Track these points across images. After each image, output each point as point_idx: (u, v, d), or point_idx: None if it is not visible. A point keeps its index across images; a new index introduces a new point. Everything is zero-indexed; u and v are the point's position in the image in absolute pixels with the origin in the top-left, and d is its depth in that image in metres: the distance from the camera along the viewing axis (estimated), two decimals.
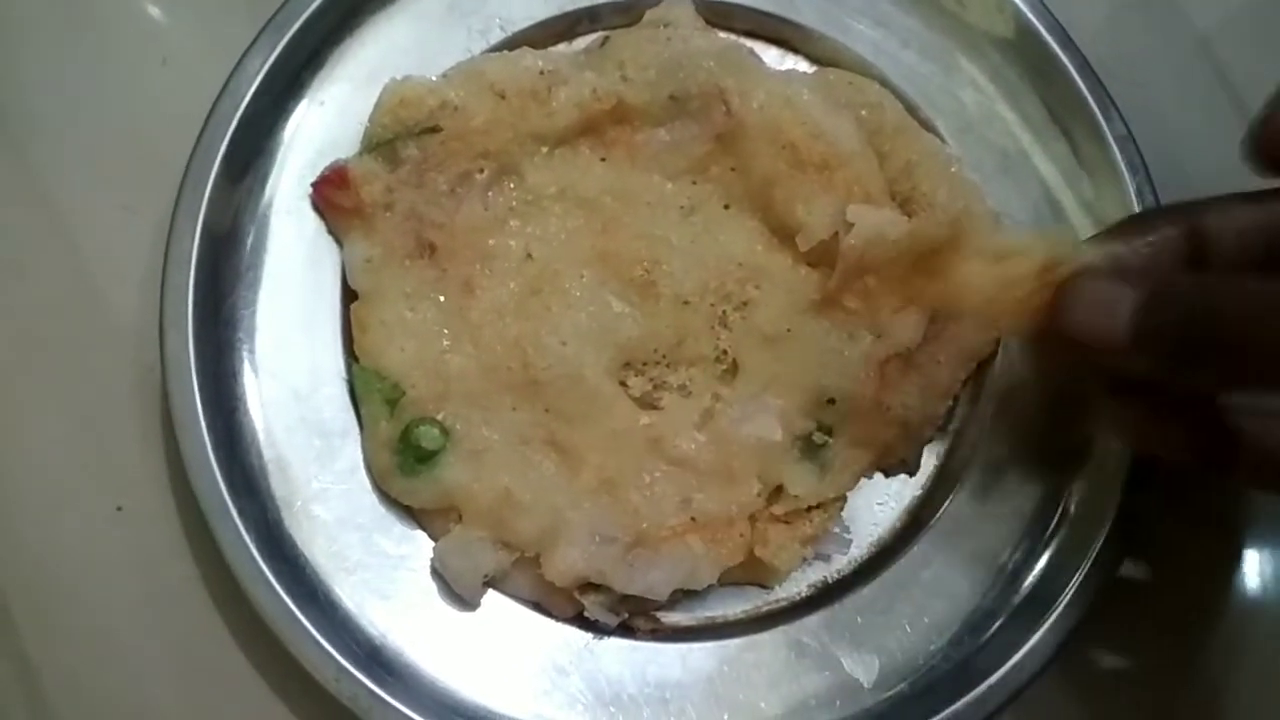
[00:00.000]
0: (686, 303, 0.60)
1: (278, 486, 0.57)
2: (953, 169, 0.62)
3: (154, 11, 0.66)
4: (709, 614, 0.59)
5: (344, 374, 0.59)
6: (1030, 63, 0.63)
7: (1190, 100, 0.68)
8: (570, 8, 0.64)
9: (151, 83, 0.64)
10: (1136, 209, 0.60)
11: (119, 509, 0.59)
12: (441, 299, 0.59)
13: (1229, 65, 0.69)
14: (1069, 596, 0.57)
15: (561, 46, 0.64)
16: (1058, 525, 0.59)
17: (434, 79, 0.60)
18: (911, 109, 0.63)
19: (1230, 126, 0.67)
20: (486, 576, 0.57)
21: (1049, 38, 0.62)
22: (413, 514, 0.58)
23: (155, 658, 0.58)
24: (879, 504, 0.61)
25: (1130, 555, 0.59)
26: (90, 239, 0.62)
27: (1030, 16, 0.63)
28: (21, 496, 0.59)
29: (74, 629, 0.58)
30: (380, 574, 0.57)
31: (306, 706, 0.57)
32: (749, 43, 0.65)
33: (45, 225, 0.62)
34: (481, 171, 0.60)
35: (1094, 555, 0.57)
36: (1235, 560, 0.64)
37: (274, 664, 0.57)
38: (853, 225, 0.58)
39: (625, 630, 0.58)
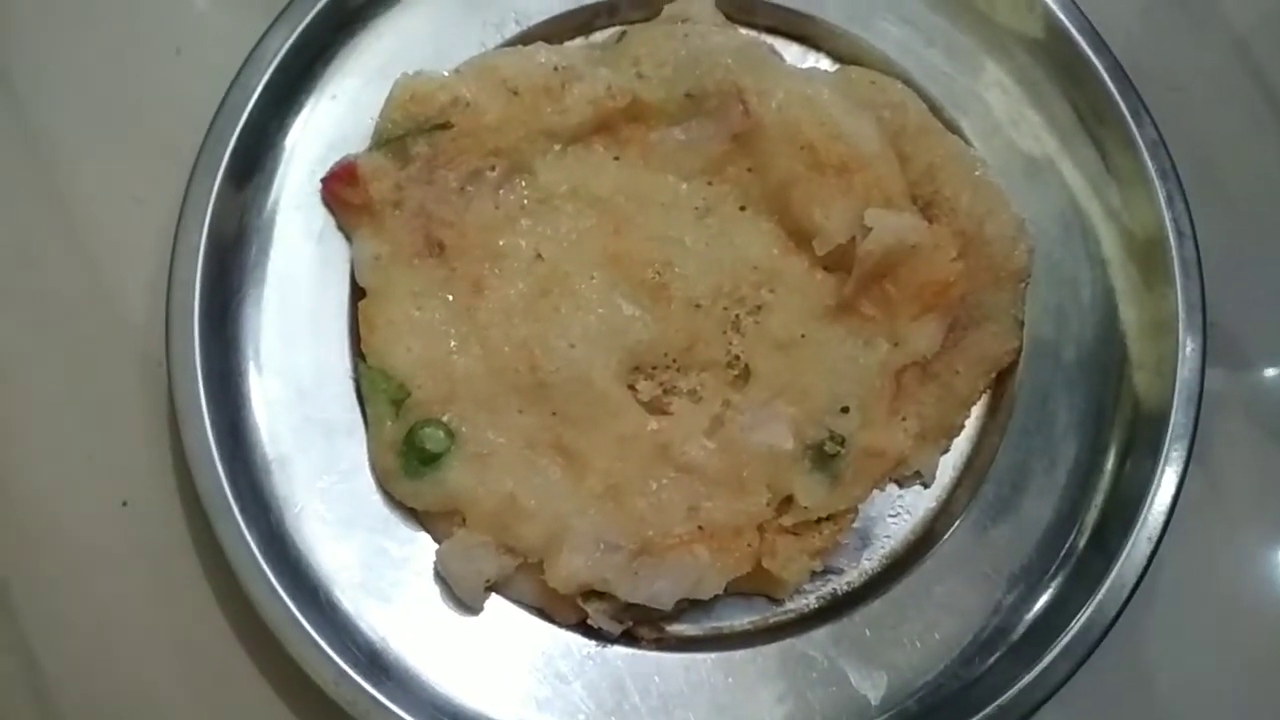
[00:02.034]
0: (699, 306, 0.59)
1: (281, 485, 0.56)
2: (977, 172, 0.60)
3: (167, 1, 0.65)
4: (715, 624, 0.58)
5: (350, 372, 0.58)
6: (1060, 64, 0.61)
7: (1227, 106, 0.66)
8: (588, 1, 0.62)
9: (164, 72, 0.64)
10: (1166, 219, 0.58)
11: (124, 504, 0.59)
12: (450, 298, 0.58)
13: (1268, 69, 0.66)
14: (1086, 616, 0.55)
15: (579, 41, 0.63)
16: (1076, 542, 0.58)
17: (446, 74, 0.59)
18: (935, 109, 0.62)
19: (1269, 133, 0.66)
20: (489, 581, 0.56)
21: (1080, 38, 0.60)
22: (416, 515, 0.57)
23: (157, 653, 0.58)
24: (891, 516, 0.60)
25: (1153, 571, 0.57)
26: (100, 231, 0.62)
27: (1061, 16, 0.61)
28: (28, 489, 0.59)
29: (78, 623, 0.58)
30: (382, 576, 0.56)
31: (307, 707, 0.57)
32: (770, 39, 0.63)
33: (55, 216, 0.62)
34: (493, 169, 0.59)
35: (1114, 573, 0.56)
36: (1263, 577, 0.62)
37: (275, 663, 0.56)
38: (871, 230, 0.57)
39: (629, 639, 0.57)
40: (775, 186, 0.59)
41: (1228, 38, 0.67)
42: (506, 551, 0.56)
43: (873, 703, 0.56)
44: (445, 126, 0.58)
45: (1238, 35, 0.67)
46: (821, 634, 0.57)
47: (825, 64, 0.64)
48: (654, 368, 0.59)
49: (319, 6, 0.59)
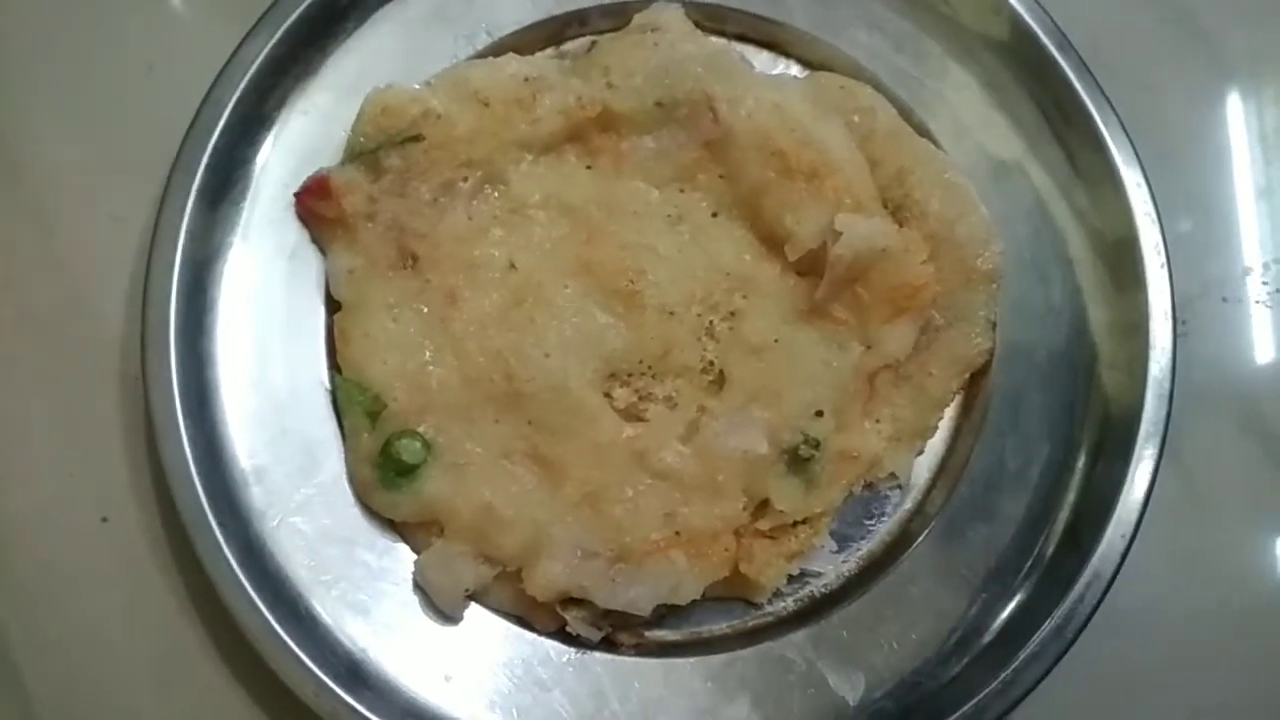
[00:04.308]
0: (672, 313, 0.59)
1: (259, 498, 0.56)
2: (947, 175, 0.61)
3: (138, 18, 0.65)
4: (693, 629, 0.59)
5: (327, 385, 0.59)
6: (1026, 65, 0.61)
7: (1195, 104, 0.66)
8: (558, 11, 0.63)
9: (136, 90, 0.64)
10: (1135, 218, 0.59)
11: (104, 519, 0.60)
12: (424, 310, 0.59)
13: (1237, 67, 0.67)
14: (1061, 614, 0.56)
15: (549, 52, 0.63)
16: (1050, 540, 0.58)
17: (417, 87, 0.60)
18: (905, 113, 0.62)
19: (1240, 136, 0.66)
20: (468, 590, 0.56)
21: (1046, 39, 0.61)
22: (395, 526, 0.58)
23: (139, 667, 0.58)
24: (867, 518, 0.60)
25: (1127, 568, 0.57)
26: (77, 249, 0.62)
27: (1026, 18, 0.61)
28: (9, 505, 0.60)
29: (60, 637, 0.58)
30: (361, 587, 0.56)
31: (287, 718, 0.57)
32: (740, 47, 0.64)
33: (32, 234, 0.62)
34: (465, 180, 0.59)
35: (1088, 571, 0.56)
36: (1237, 573, 0.63)
37: (255, 675, 0.56)
38: (841, 234, 0.57)
39: (608, 645, 0.57)
40: (746, 193, 0.60)
41: (1195, 36, 0.67)
42: (485, 561, 0.56)
43: (851, 704, 0.56)
44: (417, 139, 0.59)
45: (1206, 33, 0.67)
46: (800, 636, 0.57)
47: (795, 70, 0.64)
48: (629, 375, 0.59)
49: (289, 22, 0.59)
